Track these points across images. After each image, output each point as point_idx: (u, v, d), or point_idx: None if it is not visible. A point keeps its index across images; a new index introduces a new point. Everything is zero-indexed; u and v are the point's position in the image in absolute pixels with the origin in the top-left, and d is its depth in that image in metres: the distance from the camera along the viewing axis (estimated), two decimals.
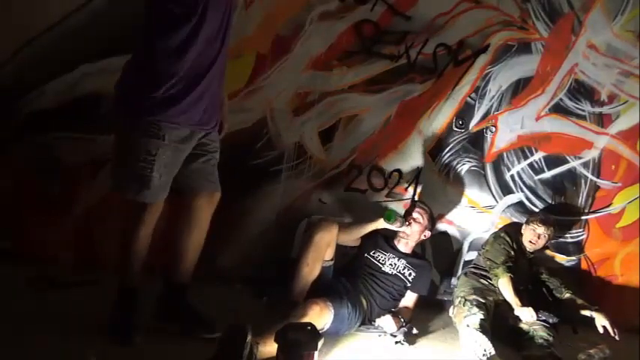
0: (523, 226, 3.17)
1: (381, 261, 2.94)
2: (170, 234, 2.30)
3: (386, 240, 3.04)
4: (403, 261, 2.95)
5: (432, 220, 3.14)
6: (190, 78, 2.06)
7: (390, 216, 2.85)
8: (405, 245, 3.02)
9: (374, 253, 2.97)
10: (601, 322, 2.76)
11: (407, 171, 3.36)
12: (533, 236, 3.08)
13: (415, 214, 3.04)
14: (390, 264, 2.93)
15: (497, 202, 3.42)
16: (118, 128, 2.13)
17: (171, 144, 2.06)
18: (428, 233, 3.08)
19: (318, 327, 2.30)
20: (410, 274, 2.92)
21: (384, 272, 2.90)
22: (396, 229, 2.92)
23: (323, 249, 2.79)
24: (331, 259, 2.88)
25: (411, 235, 3.00)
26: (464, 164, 3.40)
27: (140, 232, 2.13)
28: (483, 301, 2.80)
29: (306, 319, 2.20)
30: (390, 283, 2.88)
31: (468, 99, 3.37)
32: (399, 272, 2.92)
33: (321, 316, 2.37)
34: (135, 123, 2.04)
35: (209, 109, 2.16)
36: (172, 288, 2.32)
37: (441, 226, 3.41)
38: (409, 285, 2.91)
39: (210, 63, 2.11)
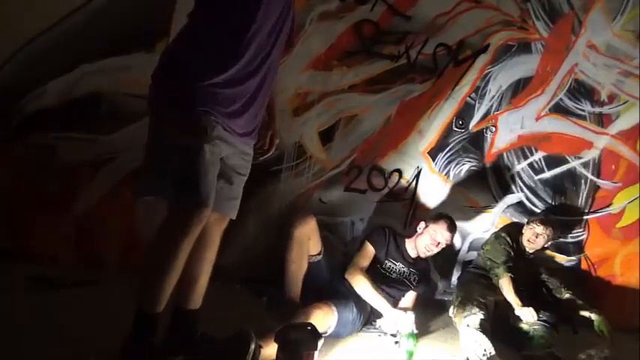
0: (524, 227, 3.17)
1: (390, 270, 2.94)
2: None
3: (397, 246, 3.00)
4: (411, 268, 2.95)
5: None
6: (243, 76, 1.85)
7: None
8: (414, 252, 3.01)
9: (385, 265, 2.94)
10: (599, 326, 2.75)
11: (407, 171, 3.36)
12: (532, 236, 3.08)
13: (441, 239, 2.93)
14: (398, 272, 2.94)
15: (497, 202, 3.42)
16: (156, 123, 1.86)
17: (213, 140, 1.80)
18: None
19: (322, 331, 2.30)
20: (414, 279, 2.94)
21: (391, 278, 2.92)
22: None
23: (305, 243, 2.80)
24: (319, 254, 2.88)
25: (431, 251, 2.98)
26: (464, 164, 3.40)
27: (183, 245, 1.80)
28: (483, 301, 2.80)
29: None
30: (396, 287, 2.89)
31: (468, 99, 3.37)
32: (405, 278, 2.93)
33: (324, 320, 2.39)
34: (180, 115, 1.79)
35: (251, 120, 1.96)
36: (183, 315, 2.03)
37: None
38: (412, 288, 2.93)
39: (261, 69, 1.91)
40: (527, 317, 2.76)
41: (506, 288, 2.88)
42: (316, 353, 1.97)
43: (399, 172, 3.35)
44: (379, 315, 2.82)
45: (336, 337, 2.49)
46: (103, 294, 2.21)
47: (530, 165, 3.43)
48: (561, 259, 3.44)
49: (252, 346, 1.89)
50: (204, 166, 1.78)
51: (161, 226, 1.83)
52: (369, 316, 2.76)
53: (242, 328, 1.96)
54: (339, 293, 2.68)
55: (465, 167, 3.40)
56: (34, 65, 2.92)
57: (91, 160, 2.99)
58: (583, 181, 3.45)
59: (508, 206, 3.42)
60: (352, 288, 2.76)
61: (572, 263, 3.45)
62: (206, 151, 1.77)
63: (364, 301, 2.72)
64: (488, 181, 3.41)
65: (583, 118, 3.42)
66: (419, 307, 2.98)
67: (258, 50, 1.86)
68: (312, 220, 2.85)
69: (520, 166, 3.43)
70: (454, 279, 3.35)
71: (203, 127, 1.78)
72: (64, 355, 1.93)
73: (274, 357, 1.96)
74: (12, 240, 2.94)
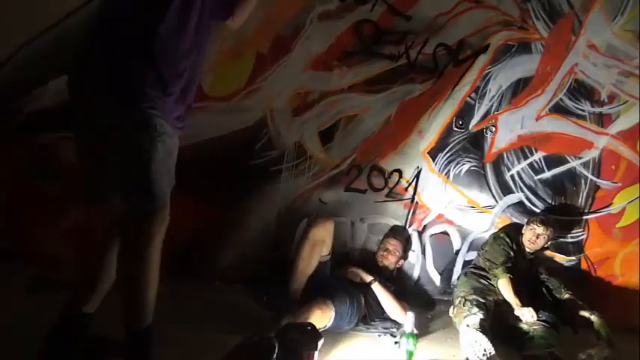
0: (524, 227, 3.17)
1: None
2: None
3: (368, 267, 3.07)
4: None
5: (408, 247, 3.27)
6: (182, 67, 1.76)
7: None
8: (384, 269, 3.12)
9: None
10: (598, 328, 2.74)
11: (407, 171, 3.36)
12: (532, 236, 3.08)
13: (391, 247, 3.13)
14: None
15: (497, 202, 3.41)
16: (102, 124, 1.71)
17: (162, 136, 1.72)
18: (402, 262, 3.23)
19: (321, 326, 2.32)
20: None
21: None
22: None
23: (318, 244, 2.82)
24: (328, 255, 2.91)
25: (388, 266, 3.12)
26: (464, 164, 3.40)
27: (153, 249, 1.73)
28: (483, 301, 2.80)
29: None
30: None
31: (468, 99, 3.37)
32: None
33: (323, 319, 2.42)
34: (127, 113, 1.67)
35: (184, 109, 1.85)
36: (136, 335, 1.79)
37: (441, 226, 3.41)
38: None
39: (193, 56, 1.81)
40: (527, 317, 2.76)
41: (505, 289, 2.88)
42: (316, 353, 1.97)
43: (399, 172, 3.35)
44: (378, 315, 2.84)
45: (335, 328, 2.52)
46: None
47: (530, 165, 3.43)
48: (561, 259, 3.44)
49: (276, 353, 1.89)
50: (158, 164, 1.71)
51: (124, 237, 1.74)
52: (365, 314, 2.77)
53: (265, 334, 1.97)
54: (332, 287, 2.71)
55: (465, 167, 3.40)
56: (34, 65, 2.92)
57: None
58: (583, 181, 3.44)
59: (508, 206, 3.42)
60: (345, 282, 2.81)
61: (572, 263, 3.45)
62: (159, 148, 1.70)
63: (357, 294, 2.75)
64: (488, 181, 3.41)
65: (583, 118, 3.42)
66: (419, 307, 2.98)
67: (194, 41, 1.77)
68: (331, 223, 2.91)
69: (520, 166, 3.43)
70: (454, 279, 3.35)
71: (152, 124, 1.69)
72: None
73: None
74: (12, 240, 2.94)
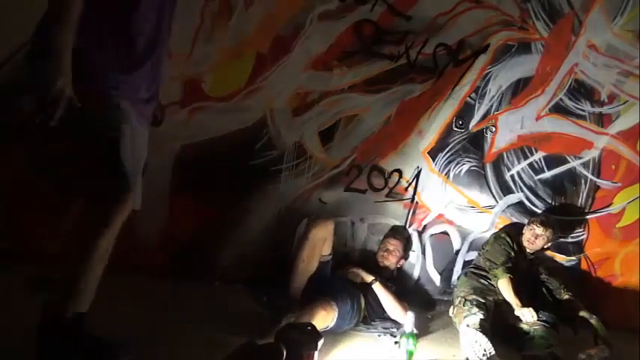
0: (524, 227, 3.17)
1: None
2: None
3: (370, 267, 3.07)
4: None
5: (408, 247, 3.25)
6: (142, 55, 1.72)
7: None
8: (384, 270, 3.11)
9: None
10: (598, 332, 2.74)
11: (407, 171, 3.36)
12: (532, 236, 3.08)
13: (391, 247, 3.12)
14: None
15: (497, 202, 3.41)
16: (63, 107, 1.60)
17: (127, 117, 1.68)
18: (402, 262, 3.21)
19: (323, 327, 2.32)
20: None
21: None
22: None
23: (318, 245, 2.82)
24: (329, 254, 2.91)
25: (389, 266, 3.11)
26: (464, 164, 3.40)
27: (105, 237, 1.70)
28: (483, 301, 2.80)
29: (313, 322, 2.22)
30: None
31: (468, 99, 3.37)
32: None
33: (326, 319, 2.42)
34: (89, 94, 1.61)
35: (151, 87, 1.81)
36: (68, 323, 1.76)
37: (441, 226, 3.41)
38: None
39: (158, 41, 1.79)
40: (527, 317, 2.76)
41: (506, 289, 2.88)
42: (316, 353, 1.97)
43: (399, 172, 3.35)
44: (379, 315, 2.84)
45: (334, 330, 2.51)
46: (103, 293, 2.21)
47: (530, 165, 3.43)
48: (561, 259, 3.43)
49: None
50: (123, 145, 1.66)
51: (80, 218, 1.74)
52: (364, 314, 2.77)
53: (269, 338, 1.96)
54: (333, 288, 2.70)
55: (465, 167, 3.40)
56: None
57: None
58: (583, 181, 3.44)
59: (508, 206, 3.42)
60: (346, 283, 2.81)
61: (572, 263, 3.45)
62: (124, 130, 1.66)
63: (358, 294, 2.75)
64: (488, 181, 3.41)
65: (583, 118, 3.42)
66: (419, 307, 2.98)
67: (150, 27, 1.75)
68: (331, 223, 2.90)
69: (520, 166, 3.43)
70: (454, 279, 3.35)
71: (116, 104, 1.66)
72: None
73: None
74: (12, 240, 2.93)
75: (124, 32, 1.70)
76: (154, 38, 1.78)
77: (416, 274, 3.40)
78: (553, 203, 3.44)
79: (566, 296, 3.00)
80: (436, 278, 3.39)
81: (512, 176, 3.43)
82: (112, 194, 1.69)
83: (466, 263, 3.35)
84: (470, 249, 3.39)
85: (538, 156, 3.43)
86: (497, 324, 2.74)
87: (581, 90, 3.41)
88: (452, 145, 3.38)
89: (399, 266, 3.19)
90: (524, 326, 2.76)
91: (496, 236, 3.15)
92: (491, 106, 3.39)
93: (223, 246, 3.21)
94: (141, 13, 1.72)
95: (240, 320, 2.52)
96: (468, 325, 2.57)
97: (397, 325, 2.79)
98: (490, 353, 2.39)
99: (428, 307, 3.26)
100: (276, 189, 3.26)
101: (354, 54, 3.27)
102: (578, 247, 3.45)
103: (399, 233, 3.25)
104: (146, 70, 1.77)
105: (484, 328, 2.55)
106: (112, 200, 1.69)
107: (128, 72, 1.71)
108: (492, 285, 2.97)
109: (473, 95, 3.37)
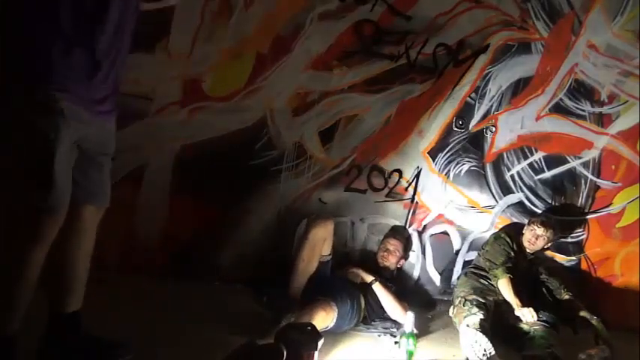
0: (524, 227, 3.17)
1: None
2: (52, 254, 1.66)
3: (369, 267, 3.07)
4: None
5: (408, 247, 3.23)
6: (87, 35, 1.56)
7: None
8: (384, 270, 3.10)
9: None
10: (598, 333, 2.74)
11: (407, 171, 3.36)
12: (532, 237, 3.08)
13: (391, 247, 3.11)
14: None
15: (497, 202, 3.42)
16: (4, 108, 1.51)
17: (72, 123, 1.51)
18: (402, 262, 3.19)
19: (323, 327, 2.32)
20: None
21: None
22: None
23: (318, 245, 2.82)
24: (329, 255, 2.91)
25: (389, 266, 3.10)
26: (464, 164, 3.40)
27: (36, 252, 1.55)
28: (483, 301, 2.80)
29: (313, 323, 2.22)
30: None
31: (468, 99, 3.37)
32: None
33: (326, 319, 2.42)
34: (29, 96, 1.48)
35: (110, 87, 1.68)
36: (64, 321, 1.78)
37: (441, 226, 3.41)
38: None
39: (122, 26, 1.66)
40: (527, 317, 2.76)
41: (506, 289, 2.88)
42: (316, 353, 1.97)
43: (399, 172, 3.35)
44: (379, 315, 2.84)
45: (334, 330, 2.51)
46: (103, 293, 2.21)
47: (530, 165, 3.43)
48: (561, 259, 3.44)
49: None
50: (59, 154, 1.49)
51: (7, 231, 1.54)
52: (364, 314, 2.77)
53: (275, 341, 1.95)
54: (334, 288, 2.70)
55: (465, 167, 3.40)
56: None
57: None
58: (583, 181, 3.44)
59: (508, 206, 3.42)
60: (346, 283, 2.81)
61: (572, 263, 3.45)
62: (63, 138, 1.49)
63: (358, 294, 2.75)
64: (488, 181, 3.41)
65: (583, 118, 3.42)
66: (419, 307, 2.98)
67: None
68: (331, 223, 2.89)
69: (520, 166, 3.43)
70: (454, 279, 3.35)
71: (55, 107, 1.48)
72: None
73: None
74: None
75: (85, 42, 1.57)
76: (111, 48, 1.65)
77: (416, 274, 3.40)
78: (553, 203, 3.44)
79: (567, 296, 3.00)
80: (436, 278, 3.39)
81: (512, 176, 3.43)
82: (38, 206, 1.52)
83: (466, 263, 3.35)
84: (470, 249, 3.39)
85: (538, 156, 3.43)
86: (497, 324, 2.74)
87: (581, 90, 3.41)
88: (452, 145, 3.38)
89: (399, 266, 3.19)
90: (525, 326, 2.76)
91: (496, 236, 3.14)
92: (491, 106, 3.39)
93: (223, 246, 3.21)
94: (105, 25, 1.60)
95: (240, 320, 2.52)
96: (468, 325, 2.57)
97: (397, 325, 2.79)
98: (490, 353, 2.39)
99: (428, 307, 3.26)
100: (276, 189, 3.26)
101: (354, 54, 3.27)
102: (578, 247, 3.45)
103: (399, 233, 3.25)
104: (101, 77, 1.64)
105: (484, 328, 2.55)
106: (41, 212, 1.53)
107: (82, 79, 1.58)
108: (492, 285, 2.97)
109: (473, 95, 3.37)
